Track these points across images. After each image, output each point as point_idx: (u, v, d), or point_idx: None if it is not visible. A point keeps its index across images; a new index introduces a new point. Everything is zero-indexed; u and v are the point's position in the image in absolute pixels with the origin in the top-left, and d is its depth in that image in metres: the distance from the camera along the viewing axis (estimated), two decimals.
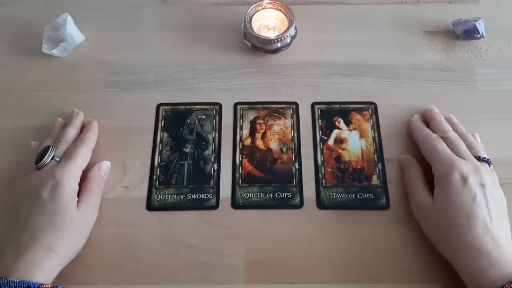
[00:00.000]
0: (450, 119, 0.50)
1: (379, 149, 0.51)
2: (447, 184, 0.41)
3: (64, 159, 0.45)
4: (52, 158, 0.45)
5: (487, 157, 0.45)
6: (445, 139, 0.46)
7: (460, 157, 0.43)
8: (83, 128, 0.51)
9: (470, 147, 0.45)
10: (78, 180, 0.45)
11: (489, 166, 0.44)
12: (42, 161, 0.44)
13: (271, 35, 0.56)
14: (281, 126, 0.52)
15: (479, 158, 0.44)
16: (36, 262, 0.39)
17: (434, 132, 0.48)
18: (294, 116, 0.53)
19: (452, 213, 0.40)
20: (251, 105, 0.54)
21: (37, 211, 0.41)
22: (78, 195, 0.44)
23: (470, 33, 0.57)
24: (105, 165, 0.49)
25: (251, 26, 0.55)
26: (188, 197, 0.48)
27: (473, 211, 0.39)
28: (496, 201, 0.41)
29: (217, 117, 0.53)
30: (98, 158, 0.50)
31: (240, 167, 0.50)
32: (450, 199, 0.40)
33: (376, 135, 0.51)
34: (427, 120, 0.50)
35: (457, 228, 0.39)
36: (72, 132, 0.49)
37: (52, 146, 0.46)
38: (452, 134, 0.47)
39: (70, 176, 0.44)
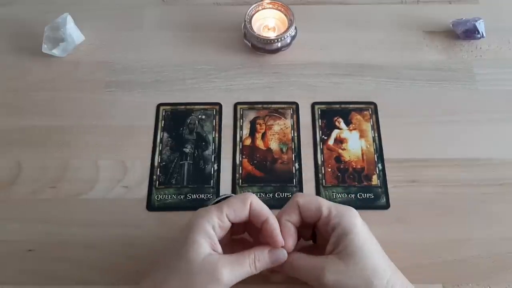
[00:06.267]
0: None
1: (379, 149, 0.51)
2: None
3: None
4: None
5: None
6: None
7: None
8: None
9: None
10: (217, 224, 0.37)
11: None
12: None
13: (271, 35, 0.56)
14: (281, 126, 0.52)
15: None
16: None
17: None
18: (294, 116, 0.53)
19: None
20: (251, 105, 0.54)
21: None
22: None
23: (470, 33, 0.57)
24: None
25: (251, 26, 0.55)
26: (188, 197, 0.48)
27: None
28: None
29: (217, 117, 0.53)
30: (99, 158, 0.50)
31: (240, 167, 0.50)
32: None
33: (376, 135, 0.51)
34: None
35: None
36: None
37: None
38: None
39: (203, 219, 0.37)
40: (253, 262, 0.36)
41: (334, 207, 0.38)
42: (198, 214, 0.37)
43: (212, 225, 0.36)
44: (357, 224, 0.37)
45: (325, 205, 0.38)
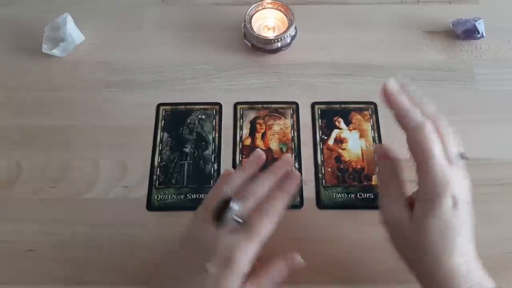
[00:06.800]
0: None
1: None
2: (437, 209, 0.34)
3: (246, 227, 0.35)
4: (234, 219, 0.35)
5: (464, 152, 0.37)
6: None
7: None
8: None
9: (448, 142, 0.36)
10: (253, 259, 0.34)
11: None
12: (221, 219, 0.35)
13: (271, 35, 0.56)
14: (281, 126, 0.52)
15: (462, 156, 0.37)
16: None
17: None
18: (294, 116, 0.53)
19: (435, 239, 0.34)
20: (251, 105, 0.54)
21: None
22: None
23: (470, 33, 0.57)
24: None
25: (251, 26, 0.55)
26: (188, 197, 0.48)
27: (458, 236, 0.34)
28: (472, 220, 0.36)
29: (217, 117, 0.53)
30: (98, 158, 0.50)
31: None
32: (435, 225, 0.34)
33: (376, 135, 0.51)
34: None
35: (437, 252, 0.34)
36: (262, 190, 0.37)
37: (233, 200, 0.35)
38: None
39: (246, 255, 0.34)
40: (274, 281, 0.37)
41: (435, 174, 0.33)
42: (239, 252, 0.33)
43: (251, 262, 0.34)
44: (443, 205, 0.33)
45: (434, 167, 0.34)
